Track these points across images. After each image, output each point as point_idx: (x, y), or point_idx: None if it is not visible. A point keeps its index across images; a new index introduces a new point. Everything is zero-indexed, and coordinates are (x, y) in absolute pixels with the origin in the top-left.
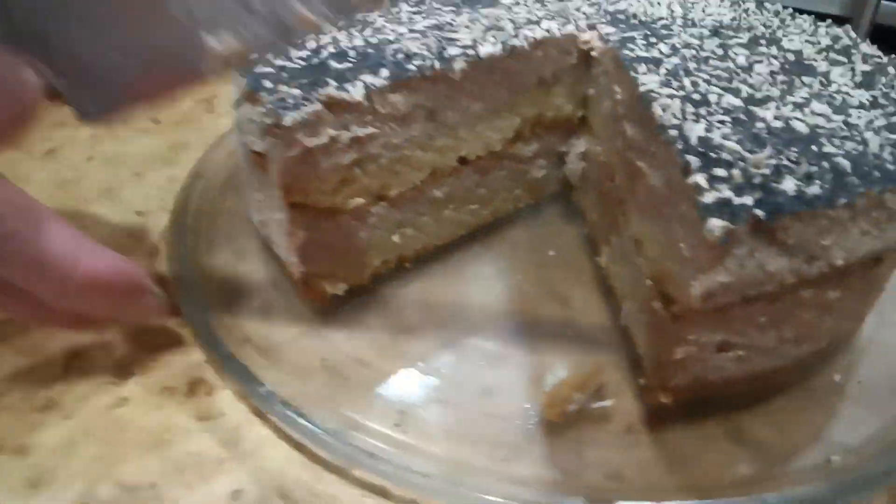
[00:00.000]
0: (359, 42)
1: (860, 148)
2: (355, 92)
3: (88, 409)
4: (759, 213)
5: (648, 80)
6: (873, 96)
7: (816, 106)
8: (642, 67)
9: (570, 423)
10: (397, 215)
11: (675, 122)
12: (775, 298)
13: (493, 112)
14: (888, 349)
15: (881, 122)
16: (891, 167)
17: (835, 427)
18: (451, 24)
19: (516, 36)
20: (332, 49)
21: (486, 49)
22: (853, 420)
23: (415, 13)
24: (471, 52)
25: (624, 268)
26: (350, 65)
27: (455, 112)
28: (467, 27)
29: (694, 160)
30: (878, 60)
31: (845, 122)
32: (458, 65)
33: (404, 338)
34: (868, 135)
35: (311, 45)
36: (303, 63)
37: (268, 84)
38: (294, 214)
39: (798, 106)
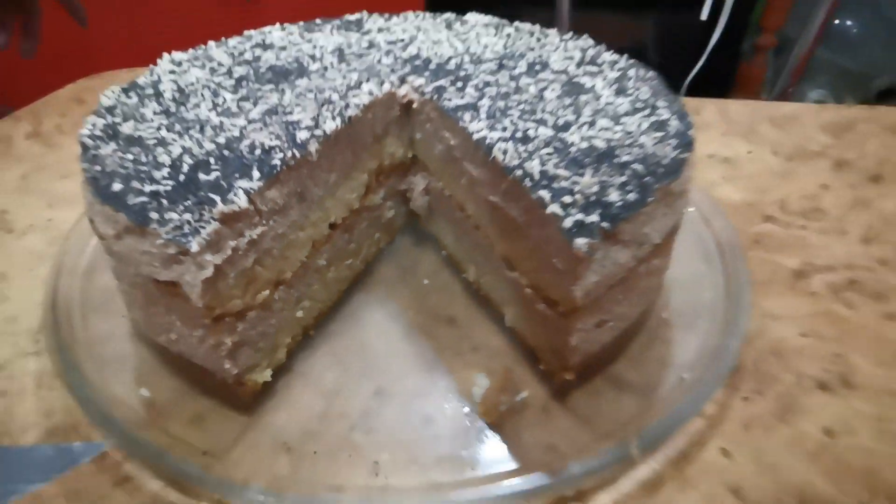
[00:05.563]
0: (209, 146)
1: (642, 152)
2: (240, 201)
3: None
4: (606, 225)
5: (477, 128)
6: (631, 103)
7: (601, 122)
8: (466, 115)
9: (503, 422)
10: (295, 294)
11: (517, 162)
12: (626, 279)
13: (346, 175)
14: (680, 284)
15: (645, 124)
16: (665, 163)
17: (675, 352)
18: (282, 106)
19: (347, 106)
20: (189, 159)
21: (329, 125)
22: (683, 343)
23: (241, 100)
24: (318, 132)
25: (496, 281)
26: (218, 173)
27: (318, 187)
28: (299, 105)
29: (546, 194)
30: (620, 66)
31: (625, 132)
32: (313, 146)
33: (336, 400)
34: (642, 139)
35: (164, 158)
36: (171, 182)
37: (153, 215)
38: (218, 326)
39: (589, 125)
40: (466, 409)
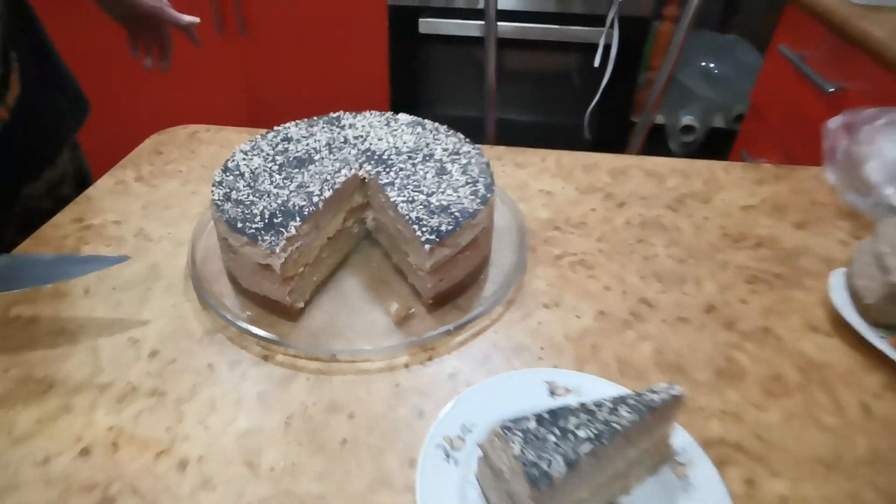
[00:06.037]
0: (274, 204)
1: (462, 206)
2: (292, 231)
3: None
4: (437, 239)
5: (392, 195)
6: (466, 179)
7: (448, 191)
8: (388, 188)
9: (403, 322)
10: (313, 270)
11: (406, 212)
12: (450, 260)
13: (334, 214)
14: (497, 263)
15: (468, 191)
16: (471, 211)
17: (484, 293)
18: (305, 182)
19: (335, 183)
20: (267, 212)
21: (327, 193)
22: (488, 289)
23: (284, 179)
24: (323, 196)
25: (404, 263)
26: (281, 218)
27: (323, 221)
28: (312, 182)
29: (416, 227)
30: (470, 154)
31: (457, 196)
32: (320, 205)
33: (333, 316)
34: (464, 200)
35: (256, 211)
36: (262, 223)
37: (259, 237)
38: (284, 282)
39: (442, 193)
40: (388, 318)
